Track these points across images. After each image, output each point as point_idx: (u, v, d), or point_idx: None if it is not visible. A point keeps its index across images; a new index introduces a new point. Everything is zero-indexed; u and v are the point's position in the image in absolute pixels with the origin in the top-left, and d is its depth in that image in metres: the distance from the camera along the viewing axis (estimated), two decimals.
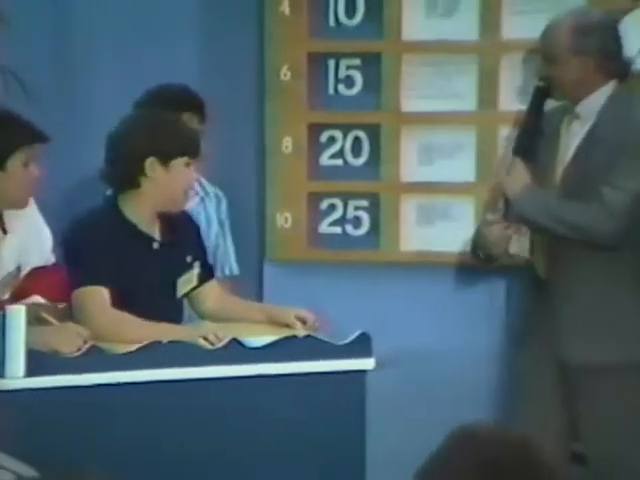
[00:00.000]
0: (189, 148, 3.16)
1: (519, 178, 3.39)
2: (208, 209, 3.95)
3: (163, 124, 3.18)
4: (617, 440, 3.35)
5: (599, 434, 3.38)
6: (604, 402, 3.33)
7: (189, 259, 3.25)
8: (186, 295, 3.28)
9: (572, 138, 3.42)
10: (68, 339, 2.85)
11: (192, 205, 3.76)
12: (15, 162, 3.02)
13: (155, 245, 3.19)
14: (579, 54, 3.37)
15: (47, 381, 2.78)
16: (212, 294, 3.35)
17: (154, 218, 3.20)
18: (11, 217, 3.15)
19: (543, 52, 3.45)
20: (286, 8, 4.10)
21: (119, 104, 3.77)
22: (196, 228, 3.37)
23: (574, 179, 3.37)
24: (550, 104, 3.63)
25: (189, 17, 4.21)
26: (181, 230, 3.25)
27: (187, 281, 3.25)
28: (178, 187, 3.17)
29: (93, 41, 4.15)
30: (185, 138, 3.18)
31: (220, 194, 4.00)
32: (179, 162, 3.14)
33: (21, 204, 3.11)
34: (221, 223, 3.99)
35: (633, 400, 3.37)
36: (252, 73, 4.19)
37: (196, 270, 3.27)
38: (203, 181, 3.89)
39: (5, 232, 3.13)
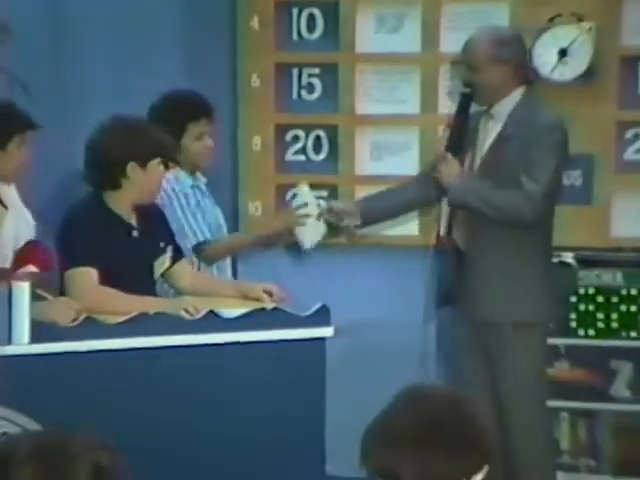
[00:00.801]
0: (162, 150, 3.17)
1: (453, 169, 3.40)
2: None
3: (139, 131, 3.18)
4: (523, 376, 3.43)
5: (510, 374, 3.43)
6: (513, 352, 3.40)
7: (162, 244, 3.27)
8: (162, 275, 3.29)
9: (488, 135, 3.44)
10: (62, 312, 2.84)
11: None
12: (13, 144, 3.09)
13: (135, 233, 3.20)
14: (497, 62, 3.36)
15: (48, 347, 2.76)
16: (185, 272, 3.35)
17: (131, 209, 3.21)
18: (4, 194, 3.18)
19: (467, 62, 3.41)
20: (256, 24, 4.12)
21: (110, 102, 3.78)
22: (163, 216, 3.35)
23: (490, 169, 3.41)
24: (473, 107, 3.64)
25: (172, 32, 4.19)
26: (153, 219, 3.27)
27: (161, 263, 3.26)
28: (154, 184, 3.20)
29: (87, 50, 4.10)
30: (158, 142, 3.18)
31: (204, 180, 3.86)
32: (154, 163, 3.15)
33: (15, 179, 3.20)
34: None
35: (536, 350, 3.46)
36: (226, 80, 4.20)
37: (169, 254, 3.28)
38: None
39: (6, 207, 3.18)
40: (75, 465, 1.52)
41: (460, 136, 3.44)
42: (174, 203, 3.56)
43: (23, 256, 3.02)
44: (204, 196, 3.70)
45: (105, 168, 3.14)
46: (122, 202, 3.18)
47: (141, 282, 3.14)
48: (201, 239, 3.55)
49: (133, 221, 3.22)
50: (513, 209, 3.40)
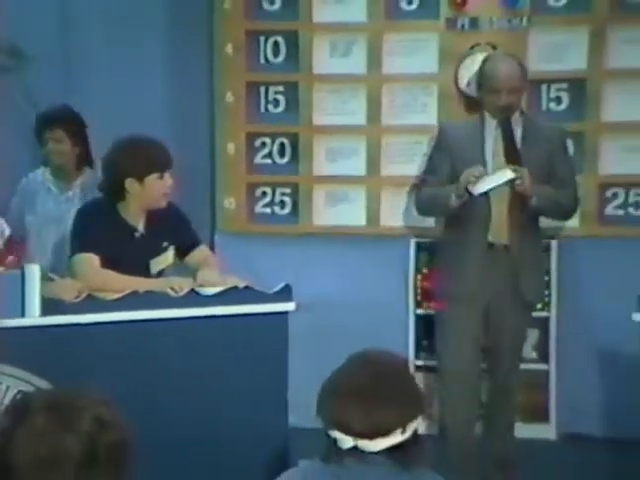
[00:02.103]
0: (157, 166, 3.04)
1: (529, 179, 3.20)
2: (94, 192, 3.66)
3: (137, 149, 3.04)
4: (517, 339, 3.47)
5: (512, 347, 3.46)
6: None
7: (165, 244, 3.16)
8: (161, 272, 3.17)
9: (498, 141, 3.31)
10: (67, 290, 2.83)
11: (76, 191, 3.67)
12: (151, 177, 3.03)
13: (137, 235, 3.12)
14: (526, 85, 3.39)
15: (55, 320, 2.76)
16: (199, 260, 3.22)
17: (140, 214, 3.11)
18: None
19: (507, 86, 3.26)
20: (229, 49, 4.08)
21: (103, 120, 3.74)
22: (175, 217, 3.20)
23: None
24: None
25: (158, 57, 4.17)
26: (161, 221, 3.13)
27: (161, 261, 3.16)
28: (153, 196, 3.07)
29: (91, 61, 4.13)
30: (152, 159, 3.04)
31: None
32: (152, 177, 3.03)
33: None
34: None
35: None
36: (205, 97, 4.17)
37: (170, 252, 3.17)
38: (95, 172, 3.69)
39: None
40: (80, 416, 1.51)
41: (516, 149, 3.28)
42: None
43: (7, 249, 3.00)
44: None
45: (109, 183, 3.08)
46: (127, 209, 3.10)
47: (136, 275, 3.04)
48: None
49: (139, 224, 3.13)
50: (570, 206, 3.42)
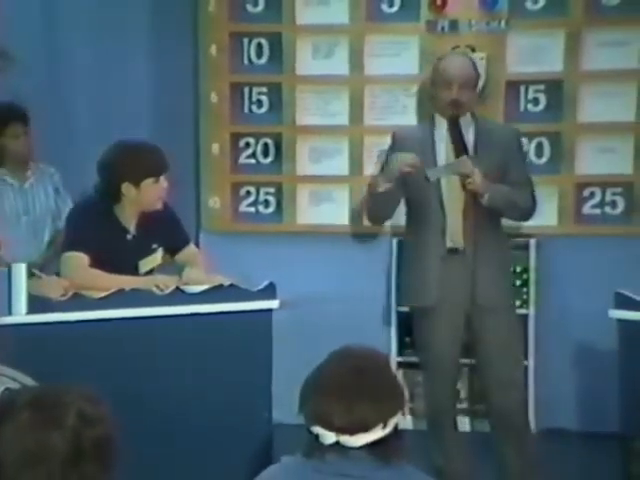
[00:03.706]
0: (153, 171, 3.04)
1: (479, 177, 3.16)
2: (44, 182, 3.84)
3: (133, 154, 3.03)
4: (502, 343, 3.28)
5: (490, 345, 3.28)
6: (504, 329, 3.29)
7: (155, 246, 3.16)
8: (149, 273, 3.15)
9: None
10: (54, 288, 2.83)
11: (32, 182, 3.77)
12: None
13: (129, 236, 3.12)
14: (478, 82, 3.34)
15: (42, 318, 2.76)
16: (187, 258, 3.24)
17: (134, 216, 3.12)
18: None
19: (458, 81, 3.20)
20: (214, 51, 4.08)
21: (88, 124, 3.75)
22: (167, 220, 3.19)
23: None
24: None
25: (144, 58, 4.16)
26: (154, 224, 3.13)
27: (149, 262, 3.16)
28: (149, 200, 3.07)
29: (75, 62, 4.11)
30: (149, 164, 3.04)
31: (51, 169, 3.86)
32: (147, 182, 3.03)
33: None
34: (57, 190, 3.87)
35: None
36: (190, 97, 4.16)
37: (159, 253, 3.17)
38: (40, 165, 3.82)
39: None
40: (65, 412, 1.52)
41: (464, 145, 3.22)
42: None
43: None
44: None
45: (105, 186, 3.07)
46: (121, 211, 3.10)
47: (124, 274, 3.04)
48: None
49: (131, 226, 3.13)
50: (527, 206, 3.33)
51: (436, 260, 3.24)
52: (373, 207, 3.44)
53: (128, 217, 3.12)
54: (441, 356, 3.27)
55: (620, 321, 3.01)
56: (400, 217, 3.82)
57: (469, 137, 3.26)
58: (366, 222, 4.08)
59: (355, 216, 4.12)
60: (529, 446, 3.31)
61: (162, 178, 3.07)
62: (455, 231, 3.24)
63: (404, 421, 1.88)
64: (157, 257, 3.20)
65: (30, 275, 2.79)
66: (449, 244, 3.25)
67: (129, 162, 3.02)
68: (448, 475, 3.31)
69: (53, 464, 1.49)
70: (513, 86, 3.90)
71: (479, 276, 3.23)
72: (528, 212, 3.38)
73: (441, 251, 3.25)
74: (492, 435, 3.32)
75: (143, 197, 3.05)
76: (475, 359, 3.39)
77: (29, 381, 2.55)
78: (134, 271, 3.11)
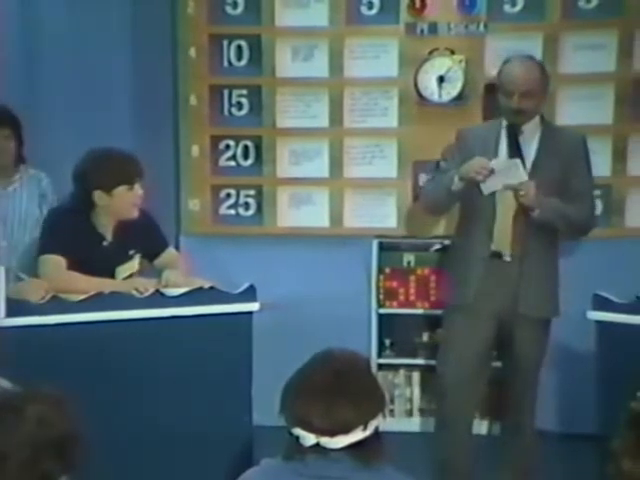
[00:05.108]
0: (125, 179, 3.03)
1: (533, 191, 3.11)
2: (30, 187, 3.79)
3: (105, 162, 3.03)
4: (531, 357, 3.30)
5: (519, 356, 3.28)
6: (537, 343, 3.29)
7: (131, 252, 3.17)
8: (129, 277, 3.15)
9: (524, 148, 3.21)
10: (33, 290, 2.83)
11: (16, 186, 3.73)
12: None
13: (105, 243, 3.12)
14: (545, 90, 3.25)
15: (21, 321, 2.76)
16: (166, 262, 3.25)
17: (110, 223, 3.12)
18: None
19: (520, 90, 3.14)
20: (193, 53, 4.06)
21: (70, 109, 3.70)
22: (145, 226, 3.19)
23: (538, 179, 3.17)
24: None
25: (122, 61, 4.12)
26: (131, 230, 3.13)
27: (126, 269, 3.16)
28: (122, 208, 3.07)
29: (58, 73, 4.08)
30: (120, 172, 3.03)
31: (42, 175, 3.80)
32: (120, 189, 3.03)
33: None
34: (43, 196, 3.81)
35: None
36: (169, 100, 4.14)
37: (136, 260, 3.18)
38: (31, 170, 3.78)
39: None
40: (21, 416, 1.54)
41: (520, 155, 3.17)
42: None
43: None
44: None
45: (79, 194, 3.06)
46: (97, 218, 3.10)
47: None
48: None
49: (107, 233, 3.13)
50: (584, 221, 3.28)
51: (479, 261, 3.23)
52: (436, 200, 3.38)
53: (104, 224, 3.11)
54: (462, 356, 3.25)
55: (598, 323, 3.04)
56: (382, 219, 3.84)
57: (533, 143, 3.23)
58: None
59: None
60: (533, 451, 3.39)
61: (137, 186, 3.06)
62: (502, 236, 3.21)
63: (384, 423, 1.88)
64: (134, 264, 3.20)
65: (17, 279, 2.78)
66: (493, 247, 3.22)
67: (101, 170, 3.01)
68: (451, 470, 3.34)
69: (9, 469, 1.52)
70: (491, 88, 3.91)
71: (523, 285, 3.20)
72: (583, 228, 3.33)
73: (485, 253, 3.23)
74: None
75: (116, 205, 3.05)
76: (502, 363, 3.41)
77: (6, 384, 2.53)
78: (111, 278, 3.10)
